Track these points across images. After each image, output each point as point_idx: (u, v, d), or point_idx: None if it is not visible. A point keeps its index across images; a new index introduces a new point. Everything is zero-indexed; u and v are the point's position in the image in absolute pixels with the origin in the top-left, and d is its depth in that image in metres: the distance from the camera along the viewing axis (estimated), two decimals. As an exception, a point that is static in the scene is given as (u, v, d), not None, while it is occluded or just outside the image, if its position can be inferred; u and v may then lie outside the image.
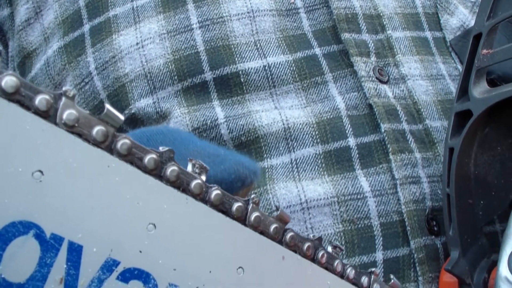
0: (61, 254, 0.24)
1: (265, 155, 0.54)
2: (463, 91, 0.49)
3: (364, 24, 0.61)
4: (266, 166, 0.53)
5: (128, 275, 0.26)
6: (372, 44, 0.60)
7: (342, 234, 0.50)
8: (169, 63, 0.56)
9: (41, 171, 0.23)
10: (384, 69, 0.59)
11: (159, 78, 0.56)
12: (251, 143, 0.54)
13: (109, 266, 0.25)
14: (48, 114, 0.24)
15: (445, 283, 0.52)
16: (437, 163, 0.55)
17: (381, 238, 0.51)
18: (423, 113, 0.58)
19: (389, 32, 0.62)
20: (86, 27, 0.61)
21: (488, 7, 0.47)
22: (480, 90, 0.47)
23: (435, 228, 0.53)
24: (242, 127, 0.53)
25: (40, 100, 0.23)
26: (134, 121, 0.57)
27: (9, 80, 0.23)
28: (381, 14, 0.63)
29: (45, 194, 0.23)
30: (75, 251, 0.24)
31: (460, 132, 0.48)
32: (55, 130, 0.24)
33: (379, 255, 0.51)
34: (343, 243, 0.50)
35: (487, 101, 0.45)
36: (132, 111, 0.56)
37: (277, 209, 0.32)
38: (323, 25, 0.60)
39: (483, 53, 0.47)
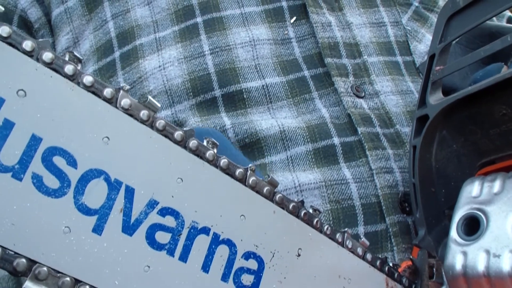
0: (121, 193, 0.35)
1: (265, 153, 0.65)
2: (422, 101, 0.60)
3: (344, 50, 0.74)
4: (267, 162, 0.65)
5: (164, 211, 0.37)
6: (350, 67, 0.73)
7: (330, 212, 0.61)
8: (186, 82, 0.68)
9: (108, 137, 0.35)
10: (360, 87, 0.72)
11: (177, 94, 0.68)
12: (253, 144, 0.65)
13: (151, 204, 0.37)
14: (112, 101, 0.36)
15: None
16: (407, 158, 0.66)
17: (362, 216, 0.62)
18: (394, 120, 0.70)
19: (365, 57, 0.74)
20: (117, 54, 0.73)
21: (439, 33, 0.59)
22: (435, 98, 0.59)
23: (407, 209, 0.64)
24: (245, 131, 0.65)
25: (107, 91, 0.36)
26: None
27: (88, 77, 0.35)
28: (359, 43, 0.75)
29: (110, 152, 0.35)
30: (130, 192, 0.36)
31: (420, 132, 0.59)
32: (116, 112, 0.36)
33: (360, 229, 0.61)
34: (330, 219, 0.61)
35: (440, 106, 0.57)
36: None
37: (269, 176, 0.44)
38: (311, 51, 0.73)
39: (436, 69, 0.59)
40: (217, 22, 0.73)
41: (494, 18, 0.66)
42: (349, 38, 0.76)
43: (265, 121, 0.67)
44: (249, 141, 0.65)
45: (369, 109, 0.70)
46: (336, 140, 0.65)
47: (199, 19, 0.73)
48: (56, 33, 0.78)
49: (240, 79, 0.69)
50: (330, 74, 0.71)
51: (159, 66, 0.70)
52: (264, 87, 0.69)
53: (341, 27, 0.76)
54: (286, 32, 0.74)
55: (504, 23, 0.88)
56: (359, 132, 0.66)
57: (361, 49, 0.75)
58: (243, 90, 0.68)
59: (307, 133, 0.66)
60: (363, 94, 0.71)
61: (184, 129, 0.40)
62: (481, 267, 0.48)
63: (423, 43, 0.79)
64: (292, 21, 0.75)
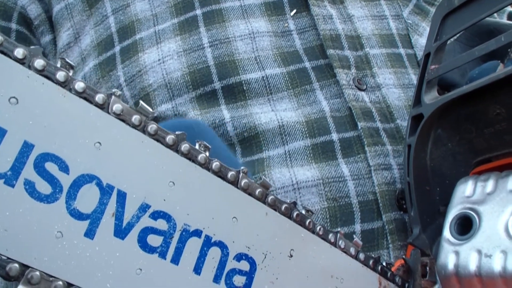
0: (113, 197, 0.36)
1: (263, 147, 0.66)
2: (417, 99, 0.60)
3: (346, 42, 0.74)
4: (265, 157, 0.65)
5: (156, 215, 0.38)
6: (353, 59, 0.73)
7: (327, 209, 0.62)
8: (185, 75, 0.68)
9: (99, 142, 0.36)
10: (362, 79, 0.71)
11: (177, 87, 0.68)
12: (252, 138, 0.66)
13: (143, 208, 0.37)
14: (104, 106, 0.36)
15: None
16: (406, 154, 0.67)
17: (359, 213, 0.62)
18: (395, 115, 0.69)
19: (367, 50, 0.74)
20: (117, 48, 0.73)
21: (435, 32, 0.58)
22: (430, 97, 0.58)
23: (404, 206, 0.64)
24: (244, 125, 0.65)
25: (99, 97, 0.36)
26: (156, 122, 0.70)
27: (80, 84, 0.35)
28: (360, 35, 0.75)
29: (102, 157, 0.36)
30: (121, 196, 0.36)
31: (415, 131, 0.59)
32: (108, 117, 0.37)
33: (357, 227, 0.62)
34: (327, 217, 0.61)
35: (435, 105, 0.57)
36: (155, 115, 0.69)
37: (261, 178, 0.44)
38: (312, 43, 0.73)
39: (431, 68, 0.59)
40: (216, 14, 0.72)
41: (495, 14, 0.66)
42: (351, 30, 0.75)
43: (265, 114, 0.67)
44: (247, 135, 0.66)
45: (370, 102, 0.70)
46: (334, 136, 0.66)
47: (198, 12, 0.73)
48: (57, 29, 0.78)
49: (240, 71, 0.69)
50: (332, 65, 0.71)
51: (159, 60, 0.70)
52: (264, 78, 0.69)
53: (342, 19, 0.76)
54: (286, 24, 0.74)
55: (504, 20, 0.87)
56: (359, 127, 0.66)
57: (363, 42, 0.75)
58: (243, 82, 0.68)
59: (305, 128, 0.66)
60: (365, 86, 0.71)
61: (176, 132, 0.40)
62: (472, 267, 0.49)
63: (424, 37, 0.78)
64: (292, 14, 0.75)
